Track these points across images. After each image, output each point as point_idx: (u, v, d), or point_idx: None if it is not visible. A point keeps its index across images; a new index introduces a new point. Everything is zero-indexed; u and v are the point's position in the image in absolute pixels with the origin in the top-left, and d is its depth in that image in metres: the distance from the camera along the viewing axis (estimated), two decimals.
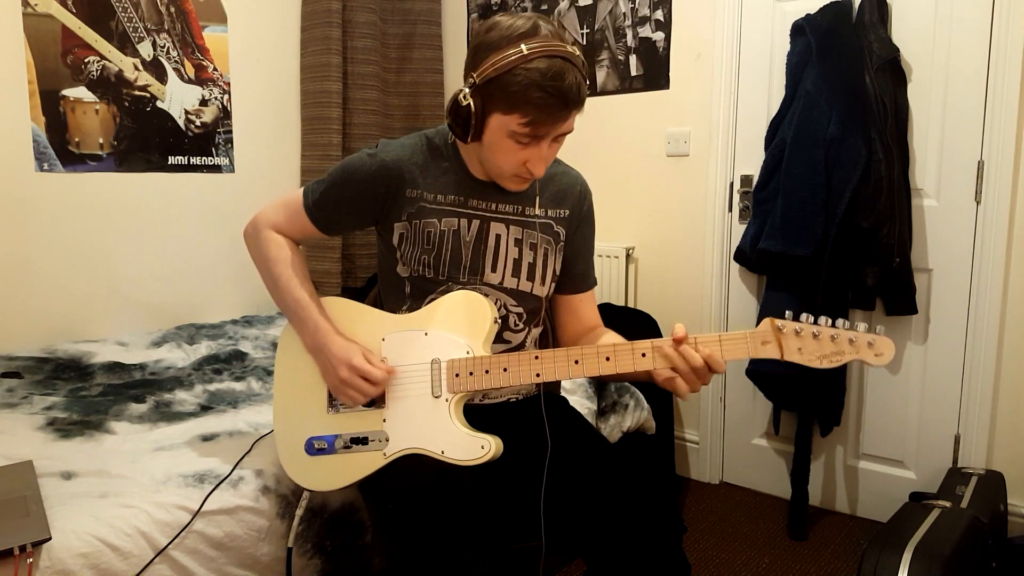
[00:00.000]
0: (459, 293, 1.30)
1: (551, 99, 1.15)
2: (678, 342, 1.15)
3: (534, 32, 1.17)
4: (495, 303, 1.33)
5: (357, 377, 1.25)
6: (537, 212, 1.38)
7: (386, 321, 1.33)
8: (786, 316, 1.14)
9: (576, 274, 1.47)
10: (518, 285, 1.38)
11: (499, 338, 1.37)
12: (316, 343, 1.30)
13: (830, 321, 1.11)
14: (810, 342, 1.11)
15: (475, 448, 1.22)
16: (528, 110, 1.16)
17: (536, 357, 1.22)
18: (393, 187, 1.33)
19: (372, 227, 1.41)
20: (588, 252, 1.49)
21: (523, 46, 1.15)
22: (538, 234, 1.38)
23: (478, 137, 1.24)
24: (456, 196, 1.34)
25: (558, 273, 1.44)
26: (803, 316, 1.12)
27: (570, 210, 1.43)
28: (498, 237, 1.36)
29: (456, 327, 1.28)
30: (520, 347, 1.41)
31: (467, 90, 1.20)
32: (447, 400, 1.25)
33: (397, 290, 1.39)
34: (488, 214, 1.36)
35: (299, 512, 1.38)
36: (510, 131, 1.19)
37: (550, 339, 1.52)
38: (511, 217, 1.37)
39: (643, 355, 1.18)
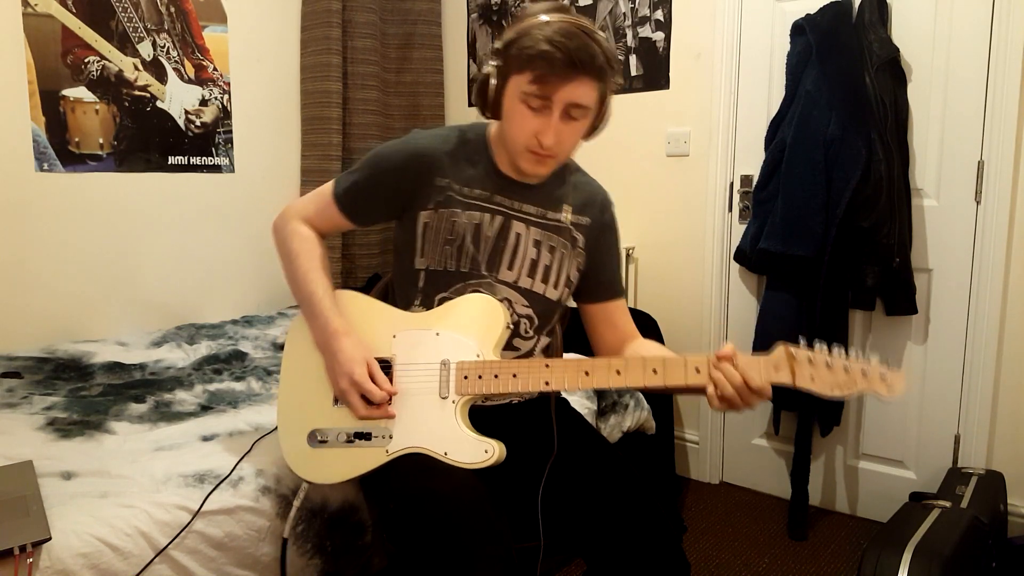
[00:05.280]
0: (474, 296, 1.30)
1: (557, 53, 1.18)
2: (722, 359, 1.14)
3: (559, 10, 1.24)
4: (506, 302, 1.33)
5: (356, 393, 1.24)
6: (560, 217, 1.39)
7: (398, 318, 1.33)
8: (799, 343, 1.12)
9: (603, 282, 1.46)
10: (532, 286, 1.38)
11: (509, 345, 1.37)
12: (324, 342, 1.30)
13: (843, 350, 1.10)
14: (823, 371, 1.11)
15: (479, 452, 1.22)
16: (537, 64, 1.20)
17: (547, 365, 1.22)
18: (424, 173, 1.34)
19: (394, 219, 1.41)
20: (613, 261, 1.48)
21: (546, 16, 1.22)
22: (557, 237, 1.39)
23: (497, 109, 1.28)
24: (483, 191, 1.35)
25: (573, 280, 1.43)
26: (816, 344, 1.11)
27: (591, 219, 1.43)
28: (518, 236, 1.36)
29: (468, 329, 1.28)
30: (528, 356, 1.40)
31: (492, 60, 1.26)
32: (454, 402, 1.25)
33: (410, 283, 1.38)
34: (511, 212, 1.36)
35: (296, 503, 1.38)
36: (522, 93, 1.23)
37: (552, 352, 1.50)
38: (533, 218, 1.37)
39: (697, 370, 1.16)
